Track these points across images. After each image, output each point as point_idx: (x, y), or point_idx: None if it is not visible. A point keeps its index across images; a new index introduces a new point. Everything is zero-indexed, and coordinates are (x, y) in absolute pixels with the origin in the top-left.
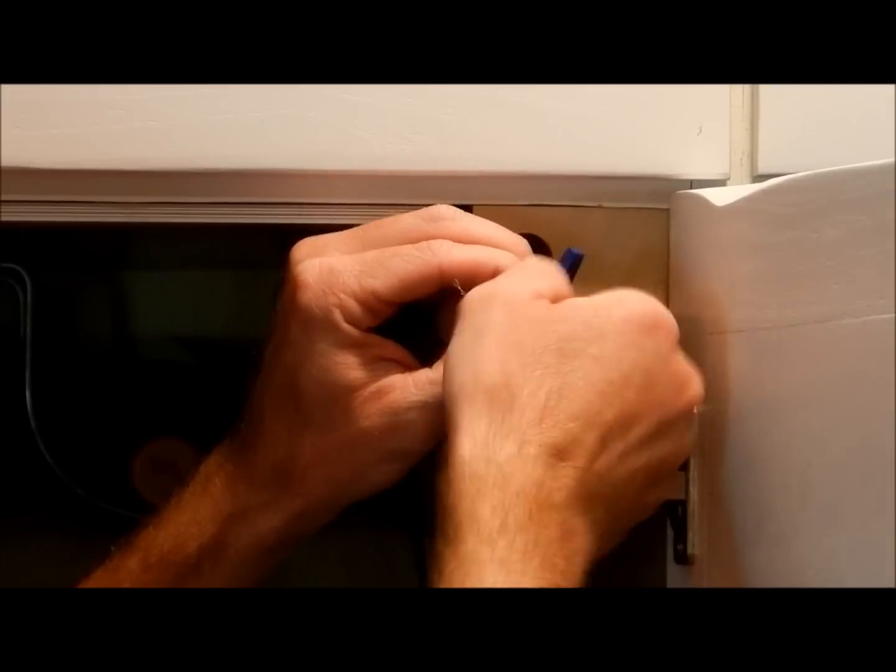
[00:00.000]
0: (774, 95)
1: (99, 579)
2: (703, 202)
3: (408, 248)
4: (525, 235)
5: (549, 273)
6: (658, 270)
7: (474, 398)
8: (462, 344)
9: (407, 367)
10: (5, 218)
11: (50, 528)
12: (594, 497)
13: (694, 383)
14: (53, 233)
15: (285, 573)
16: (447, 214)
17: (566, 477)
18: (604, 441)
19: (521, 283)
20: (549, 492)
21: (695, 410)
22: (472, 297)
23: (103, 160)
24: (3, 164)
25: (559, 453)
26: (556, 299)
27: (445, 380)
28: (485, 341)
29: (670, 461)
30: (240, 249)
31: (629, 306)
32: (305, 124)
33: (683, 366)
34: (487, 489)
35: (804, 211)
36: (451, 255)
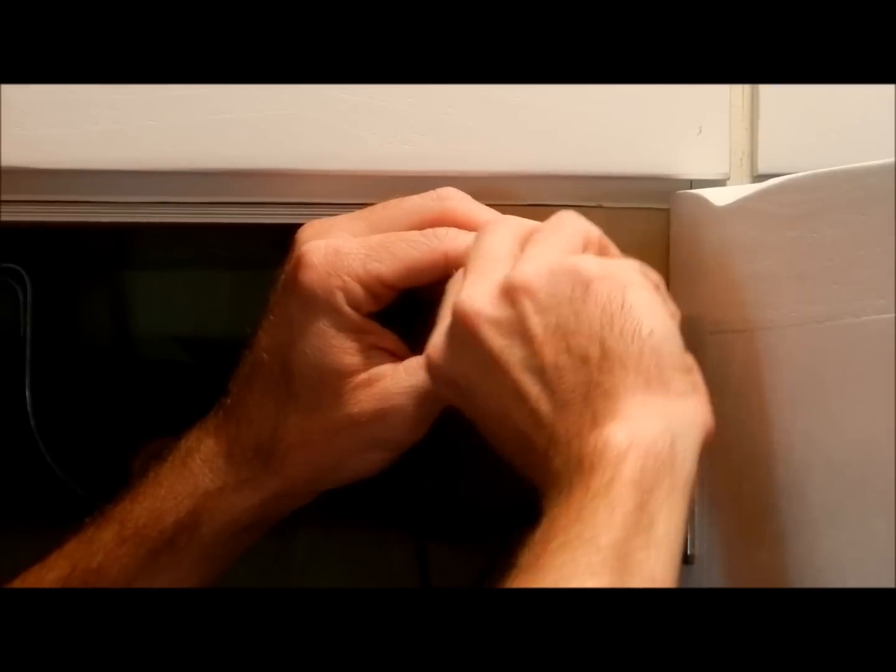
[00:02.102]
0: (774, 95)
1: (72, 551)
2: (703, 202)
3: (414, 234)
4: None
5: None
6: (658, 270)
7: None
8: None
9: (400, 359)
10: (5, 218)
11: (50, 528)
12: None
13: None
14: (53, 233)
15: (285, 573)
16: (453, 195)
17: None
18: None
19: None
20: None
21: None
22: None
23: (103, 160)
24: (3, 164)
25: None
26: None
27: None
28: None
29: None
30: (240, 249)
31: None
32: (305, 124)
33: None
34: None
35: (804, 211)
36: (456, 242)
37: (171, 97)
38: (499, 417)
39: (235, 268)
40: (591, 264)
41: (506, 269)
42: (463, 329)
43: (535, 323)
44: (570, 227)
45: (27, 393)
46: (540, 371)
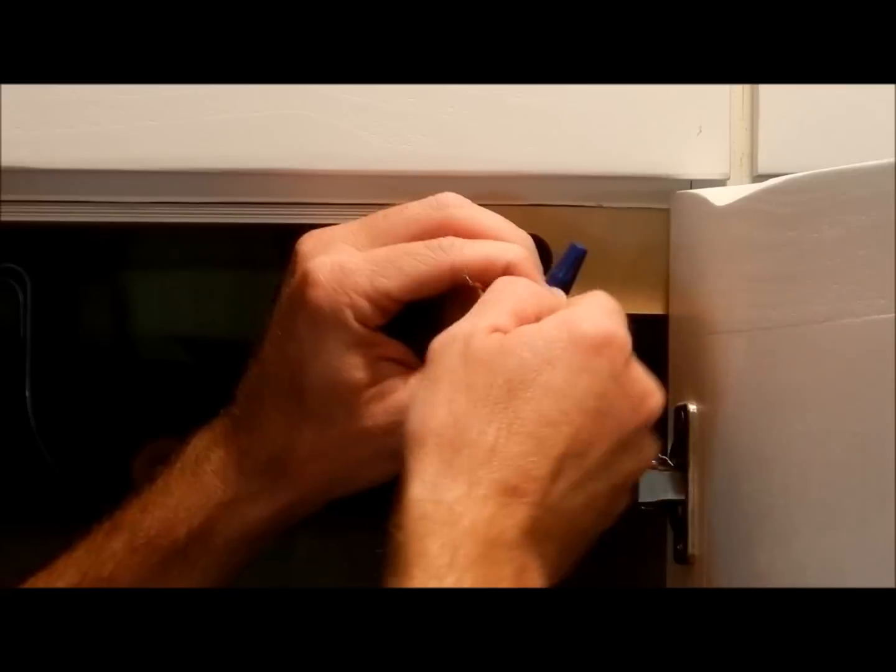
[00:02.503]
0: (774, 95)
1: (81, 560)
2: (703, 202)
3: (419, 247)
4: None
5: (513, 297)
6: (658, 270)
7: (424, 442)
8: (419, 393)
9: (410, 368)
10: (5, 218)
11: (50, 527)
12: (549, 529)
13: (652, 396)
14: (53, 233)
15: (285, 573)
16: (454, 202)
17: (519, 514)
18: (558, 472)
19: (478, 321)
20: (501, 530)
21: (651, 422)
22: (433, 347)
23: (103, 160)
24: (3, 164)
25: (510, 491)
26: (522, 321)
27: (405, 427)
28: (437, 387)
29: (630, 478)
30: (240, 249)
31: (577, 329)
32: (305, 124)
33: (640, 379)
34: (437, 528)
35: (804, 211)
36: (462, 253)
37: (171, 97)
38: None
39: (235, 268)
40: None
41: None
42: None
43: None
44: None
45: (27, 393)
46: None
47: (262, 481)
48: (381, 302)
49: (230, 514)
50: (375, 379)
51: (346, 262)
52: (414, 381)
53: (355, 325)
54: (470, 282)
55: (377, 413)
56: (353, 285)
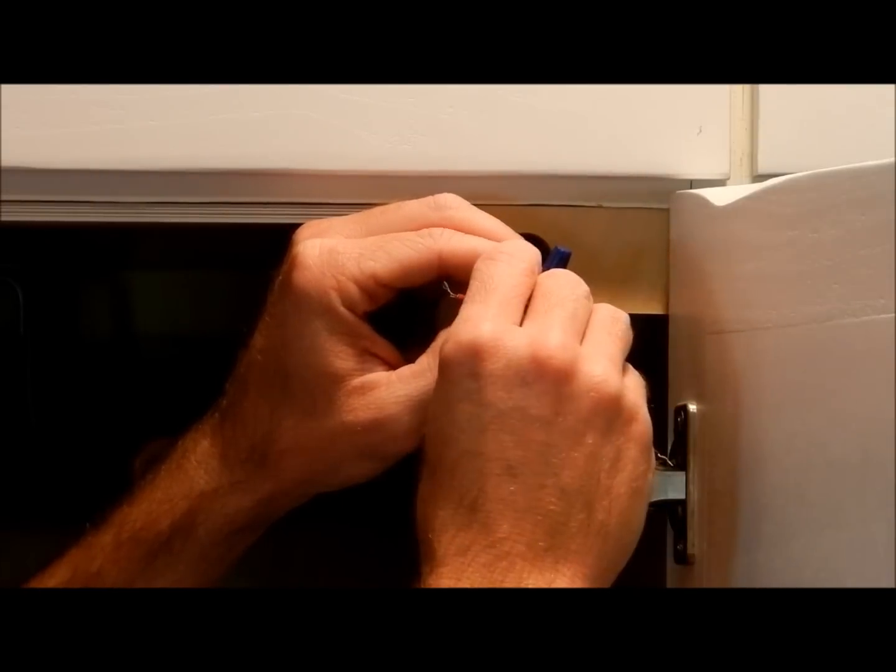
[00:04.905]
0: (774, 95)
1: (73, 557)
2: (703, 202)
3: (409, 234)
4: (525, 235)
5: (500, 288)
6: (658, 270)
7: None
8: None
9: (393, 367)
10: (5, 218)
11: (50, 528)
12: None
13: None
14: (53, 233)
15: (286, 573)
16: (452, 203)
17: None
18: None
19: (479, 325)
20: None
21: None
22: (446, 357)
23: (103, 160)
24: (3, 164)
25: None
26: (510, 314)
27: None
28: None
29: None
30: (240, 249)
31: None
32: (305, 124)
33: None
34: None
35: (804, 211)
36: (451, 243)
37: (171, 97)
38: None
39: (235, 268)
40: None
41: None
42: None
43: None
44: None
45: (27, 393)
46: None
47: (243, 471)
48: (368, 286)
49: (211, 503)
50: (357, 370)
51: (335, 245)
52: (396, 378)
53: (341, 309)
54: (451, 293)
55: (358, 408)
56: (340, 268)
